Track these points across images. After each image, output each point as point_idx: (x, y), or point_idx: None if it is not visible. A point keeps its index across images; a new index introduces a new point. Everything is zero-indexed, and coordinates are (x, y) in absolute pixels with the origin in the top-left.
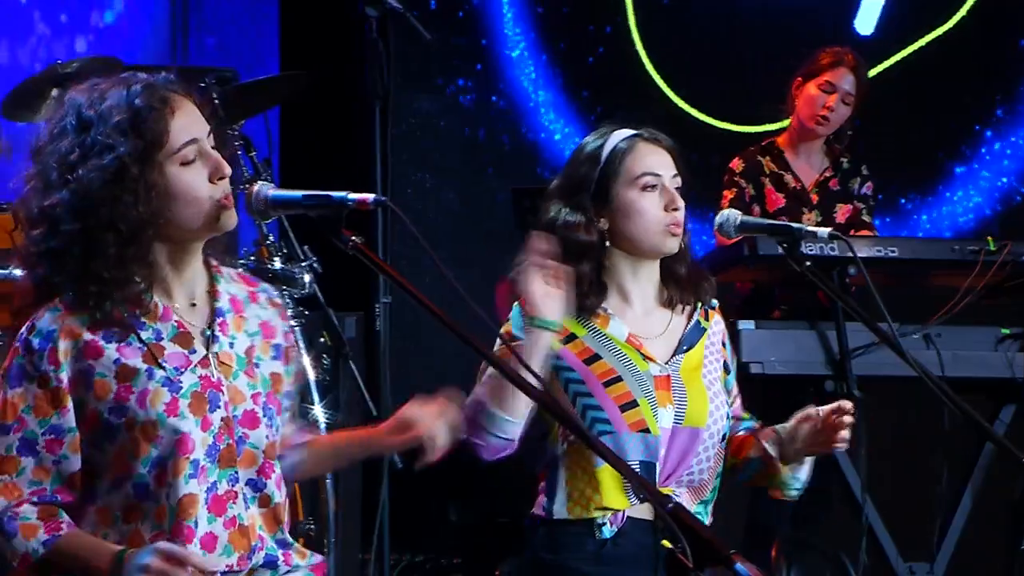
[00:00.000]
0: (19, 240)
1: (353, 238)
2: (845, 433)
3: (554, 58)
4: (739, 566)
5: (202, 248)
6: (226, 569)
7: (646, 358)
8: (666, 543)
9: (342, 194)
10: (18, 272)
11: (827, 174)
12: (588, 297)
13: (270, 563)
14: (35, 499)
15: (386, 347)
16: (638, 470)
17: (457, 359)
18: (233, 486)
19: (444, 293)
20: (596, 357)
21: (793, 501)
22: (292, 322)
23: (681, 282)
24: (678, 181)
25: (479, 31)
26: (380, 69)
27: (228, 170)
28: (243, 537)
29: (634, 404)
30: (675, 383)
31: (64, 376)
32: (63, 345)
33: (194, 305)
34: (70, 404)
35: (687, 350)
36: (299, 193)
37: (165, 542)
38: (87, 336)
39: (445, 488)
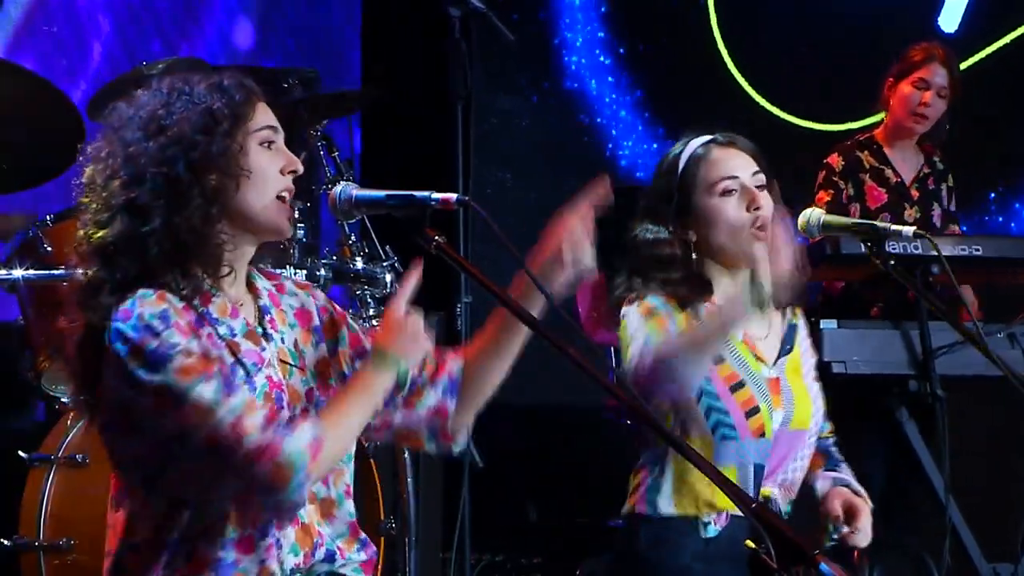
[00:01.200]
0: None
1: (437, 238)
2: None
3: (634, 60)
4: (823, 566)
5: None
6: (294, 567)
7: (758, 359)
8: (750, 543)
9: (426, 193)
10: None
11: (925, 170)
12: (693, 297)
13: (329, 557)
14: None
15: None
16: (752, 473)
17: (539, 359)
18: None
19: None
20: (720, 359)
21: (877, 501)
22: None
23: (783, 283)
24: (760, 179)
25: (560, 33)
26: (462, 69)
27: (300, 168)
28: (307, 535)
29: (757, 410)
30: (783, 385)
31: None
32: (181, 320)
33: (242, 305)
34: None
35: (789, 350)
36: (383, 193)
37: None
38: (189, 316)
39: (525, 488)
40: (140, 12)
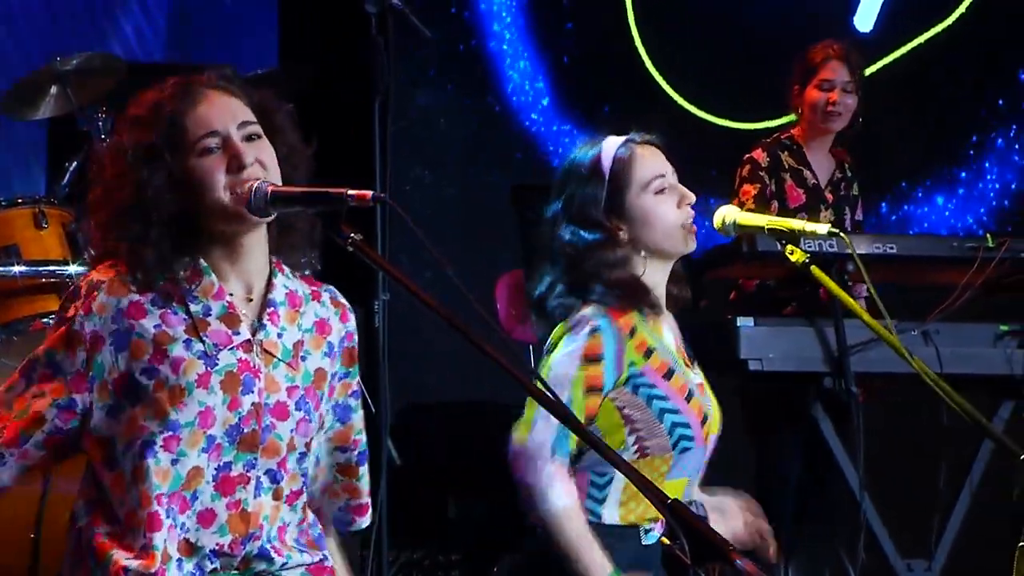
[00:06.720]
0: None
1: (353, 235)
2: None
3: (552, 56)
4: (738, 562)
5: (266, 244)
6: (216, 548)
7: (687, 365)
8: (664, 540)
9: (341, 190)
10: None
11: (837, 175)
12: (641, 298)
13: (264, 555)
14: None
15: (385, 344)
16: (699, 478)
17: (457, 356)
18: (248, 471)
19: (444, 290)
20: (671, 372)
21: (793, 497)
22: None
23: (681, 282)
24: (676, 176)
25: (478, 30)
26: (380, 66)
27: (247, 160)
28: (243, 522)
29: (707, 418)
30: (706, 390)
31: (88, 327)
32: (102, 298)
33: (251, 300)
34: (81, 354)
35: (694, 357)
36: (299, 189)
37: None
38: (135, 296)
39: (444, 484)
40: (55, 5)
